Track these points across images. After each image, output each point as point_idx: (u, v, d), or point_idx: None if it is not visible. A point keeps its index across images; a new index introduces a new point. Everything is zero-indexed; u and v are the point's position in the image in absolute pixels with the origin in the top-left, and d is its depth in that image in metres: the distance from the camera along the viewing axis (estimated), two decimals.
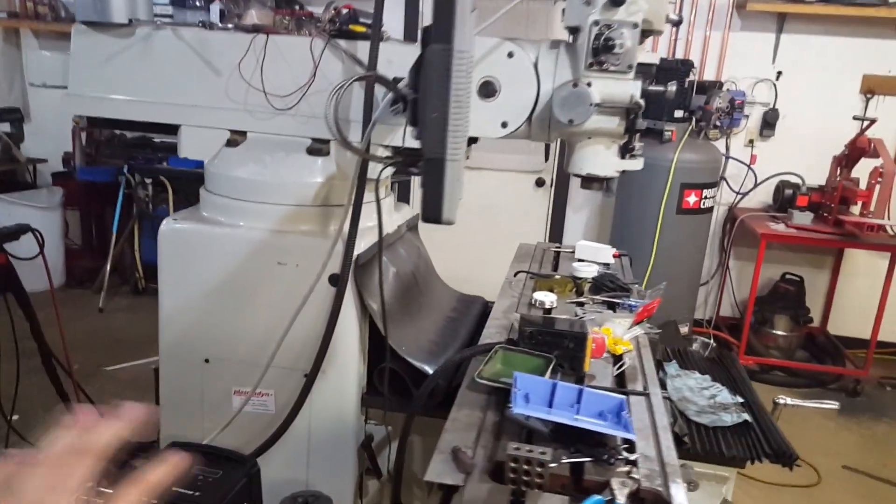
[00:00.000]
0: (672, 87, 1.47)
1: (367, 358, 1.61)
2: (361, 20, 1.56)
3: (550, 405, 1.03)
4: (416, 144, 1.14)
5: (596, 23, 1.34)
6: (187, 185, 4.40)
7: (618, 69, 1.38)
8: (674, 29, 4.25)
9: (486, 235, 4.41)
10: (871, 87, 4.08)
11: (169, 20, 1.84)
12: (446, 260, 4.05)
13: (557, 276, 1.71)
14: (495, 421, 1.07)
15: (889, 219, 3.88)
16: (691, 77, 3.85)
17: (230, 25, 1.67)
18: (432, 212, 0.99)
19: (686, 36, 4.24)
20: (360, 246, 1.52)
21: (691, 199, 3.76)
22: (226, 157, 1.63)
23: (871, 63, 4.09)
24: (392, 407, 1.57)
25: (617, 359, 1.30)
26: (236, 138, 1.63)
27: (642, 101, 1.45)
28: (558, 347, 1.18)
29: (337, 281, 1.48)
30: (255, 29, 1.57)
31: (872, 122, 3.69)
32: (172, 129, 1.69)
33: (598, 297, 1.63)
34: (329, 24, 1.55)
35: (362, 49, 1.53)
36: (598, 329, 1.35)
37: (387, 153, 1.49)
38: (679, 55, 4.25)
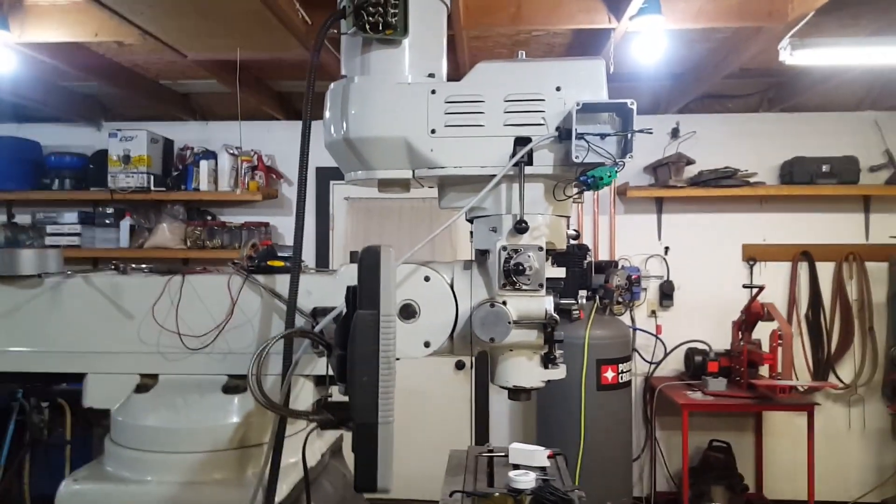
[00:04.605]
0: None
1: None
2: (280, 255, 1.60)
3: None
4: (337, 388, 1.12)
5: (504, 248, 1.42)
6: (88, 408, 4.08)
7: (529, 288, 1.44)
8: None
9: (411, 424, 4.26)
10: (752, 255, 4.52)
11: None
12: None
13: (496, 494, 1.64)
14: None
15: (797, 378, 4.07)
16: (588, 259, 4.11)
17: (144, 267, 1.65)
18: (366, 482, 0.95)
19: (577, 222, 4.58)
20: (282, 490, 1.41)
21: (609, 374, 3.83)
22: (134, 405, 1.53)
23: (746, 234, 4.53)
24: None
25: None
26: (147, 382, 1.55)
27: (557, 316, 1.52)
28: None
29: None
30: (171, 271, 1.57)
31: (761, 289, 4.00)
32: (76, 378, 1.61)
33: None
34: (248, 260, 1.57)
35: (280, 281, 1.55)
36: None
37: (310, 388, 1.44)
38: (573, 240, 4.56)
